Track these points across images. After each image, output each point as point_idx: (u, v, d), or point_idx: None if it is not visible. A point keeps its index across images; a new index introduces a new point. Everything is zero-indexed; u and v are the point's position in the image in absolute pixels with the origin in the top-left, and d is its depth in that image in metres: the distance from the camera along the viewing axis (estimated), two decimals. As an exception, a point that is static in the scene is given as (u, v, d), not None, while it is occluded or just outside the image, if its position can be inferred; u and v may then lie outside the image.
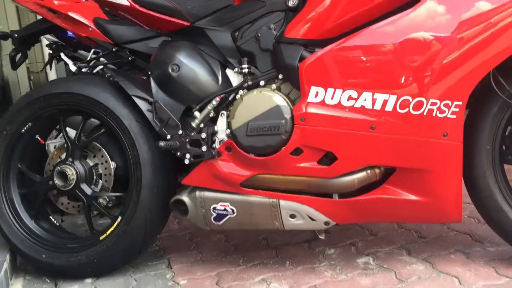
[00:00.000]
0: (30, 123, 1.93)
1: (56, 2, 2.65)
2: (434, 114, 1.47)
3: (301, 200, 1.62)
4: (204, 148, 1.67)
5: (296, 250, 1.97)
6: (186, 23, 1.75)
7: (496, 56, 1.45)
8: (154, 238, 1.98)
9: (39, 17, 2.73)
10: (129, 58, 1.99)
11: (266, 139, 1.58)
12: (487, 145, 1.58)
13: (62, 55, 2.57)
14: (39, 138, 1.99)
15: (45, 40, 3.17)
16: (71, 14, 2.52)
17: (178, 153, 1.70)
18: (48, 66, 3.08)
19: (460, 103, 1.47)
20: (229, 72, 1.74)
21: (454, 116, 1.48)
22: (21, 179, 1.99)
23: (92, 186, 1.91)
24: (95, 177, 1.93)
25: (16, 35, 2.74)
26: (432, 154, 1.51)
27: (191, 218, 1.76)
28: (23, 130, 1.94)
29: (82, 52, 2.77)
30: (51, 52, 2.90)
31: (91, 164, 1.93)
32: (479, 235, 1.93)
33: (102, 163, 1.93)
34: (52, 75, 5.11)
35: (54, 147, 2.05)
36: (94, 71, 2.10)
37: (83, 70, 2.19)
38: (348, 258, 1.86)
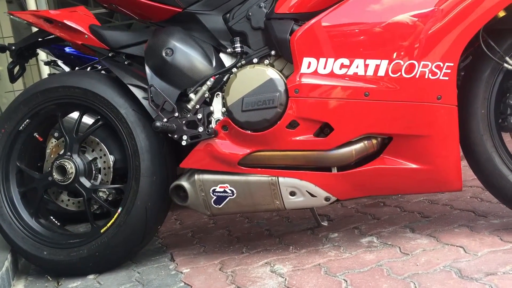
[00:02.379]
0: (28, 120, 1.94)
1: (51, 12, 2.71)
2: (426, 77, 1.48)
3: (300, 176, 1.62)
4: (200, 129, 1.67)
5: (299, 237, 1.95)
6: (178, 9, 1.78)
7: (483, 16, 1.47)
8: (156, 230, 1.96)
9: (34, 29, 2.80)
10: (125, 63, 2.02)
11: (261, 113, 1.59)
12: (482, 109, 1.59)
13: (60, 62, 2.60)
14: (37, 136, 2.00)
15: (42, 56, 3.23)
16: (66, 22, 2.56)
17: (175, 136, 1.70)
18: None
19: (451, 64, 1.48)
20: (222, 55, 1.76)
21: (447, 78, 1.48)
22: (20, 177, 1.99)
23: (92, 180, 1.91)
24: (94, 171, 1.93)
25: (13, 48, 2.79)
26: (427, 119, 1.52)
27: (191, 203, 1.75)
28: (21, 128, 1.95)
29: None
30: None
31: (90, 158, 1.93)
32: (482, 210, 1.91)
33: (100, 157, 1.94)
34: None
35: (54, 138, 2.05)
36: None
37: None
38: (352, 239, 1.83)
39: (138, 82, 1.81)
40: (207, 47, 1.77)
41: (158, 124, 1.65)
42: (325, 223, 2.01)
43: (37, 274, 1.98)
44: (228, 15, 1.74)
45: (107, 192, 1.91)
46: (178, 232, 2.30)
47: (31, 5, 3.39)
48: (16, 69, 2.92)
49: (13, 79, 2.88)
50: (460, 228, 1.78)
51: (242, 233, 2.11)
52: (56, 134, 2.01)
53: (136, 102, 1.81)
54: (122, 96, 1.83)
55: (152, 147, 1.80)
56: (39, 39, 2.88)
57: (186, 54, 1.73)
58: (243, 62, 1.68)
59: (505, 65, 1.54)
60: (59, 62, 2.59)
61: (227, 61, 1.75)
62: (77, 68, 2.36)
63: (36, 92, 1.92)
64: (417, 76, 1.48)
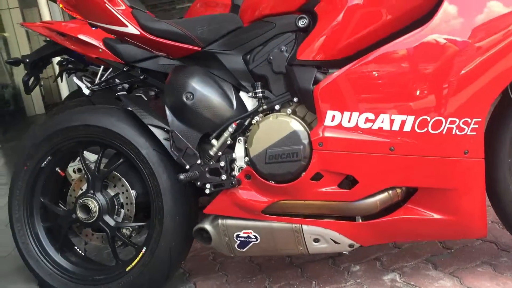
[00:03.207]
0: (49, 157, 1.95)
1: (64, 25, 2.68)
2: (453, 133, 1.46)
3: (324, 225, 1.62)
4: (223, 177, 1.67)
5: (320, 268, 1.96)
6: (197, 48, 1.76)
7: None
8: (180, 266, 1.98)
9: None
10: (141, 77, 2.01)
11: (285, 166, 1.58)
12: (509, 158, 1.56)
13: (75, 79, 2.58)
14: (59, 171, 2.01)
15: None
16: (80, 36, 2.55)
17: (198, 183, 1.70)
18: (59, 78, 3.12)
19: (479, 119, 1.45)
20: (243, 95, 1.74)
21: (474, 133, 1.46)
22: (44, 213, 2.01)
23: (115, 216, 1.92)
24: (116, 206, 1.94)
25: (27, 60, 2.78)
26: (454, 172, 1.50)
27: (214, 245, 1.77)
28: (43, 165, 1.96)
29: (92, 67, 2.80)
30: (60, 66, 2.95)
31: (112, 194, 1.94)
32: (504, 243, 1.91)
33: (123, 192, 1.94)
34: (63, 86, 5.20)
35: (74, 172, 2.07)
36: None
37: (95, 90, 2.23)
38: (374, 275, 1.85)
39: (158, 123, 1.80)
40: (227, 87, 1.75)
41: (182, 177, 1.65)
42: (346, 252, 2.02)
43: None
44: (248, 56, 1.71)
45: (131, 229, 1.93)
46: (199, 253, 2.32)
47: (45, 14, 3.35)
48: (31, 80, 2.93)
49: (28, 90, 2.88)
50: (483, 266, 1.78)
51: (263, 259, 2.13)
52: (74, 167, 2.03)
53: (156, 142, 1.80)
54: (142, 135, 1.83)
55: (175, 187, 1.80)
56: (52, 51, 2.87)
57: (207, 98, 1.71)
58: (265, 107, 1.66)
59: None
60: (74, 79, 2.56)
61: (248, 102, 1.73)
62: (91, 87, 2.34)
63: (57, 130, 1.92)
64: (444, 132, 1.46)
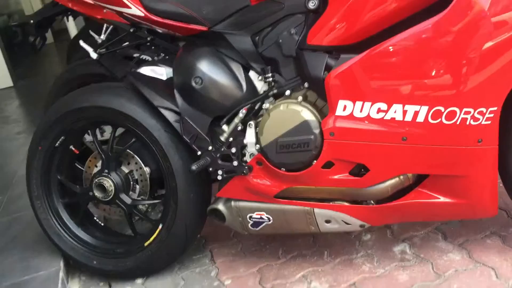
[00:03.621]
0: (62, 137, 1.97)
1: None
2: (467, 123, 1.43)
3: (335, 208, 1.64)
4: (235, 163, 1.68)
5: (332, 238, 2.02)
6: (203, 28, 1.71)
7: None
8: (195, 239, 2.05)
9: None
10: (148, 38, 1.96)
11: (296, 156, 1.58)
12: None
13: (81, 42, 2.54)
14: (73, 149, 2.03)
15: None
16: None
17: (210, 169, 1.72)
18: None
19: (495, 108, 1.42)
20: (253, 75, 1.70)
21: (489, 122, 1.43)
22: (62, 189, 2.06)
23: (130, 193, 1.96)
24: (132, 182, 1.98)
25: (32, 21, 2.72)
26: (467, 160, 1.49)
27: (228, 223, 1.82)
28: (56, 144, 1.98)
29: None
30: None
31: (126, 171, 1.97)
32: (515, 210, 1.93)
33: (136, 170, 1.97)
34: (71, 25, 5.12)
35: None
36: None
37: (102, 54, 2.19)
38: (385, 245, 1.90)
39: (168, 104, 1.78)
40: (236, 67, 1.71)
41: (194, 168, 1.66)
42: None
43: (89, 274, 2.13)
44: (257, 37, 1.66)
45: (147, 205, 1.98)
46: (213, 221, 2.38)
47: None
48: (38, 39, 2.89)
49: (36, 50, 2.85)
50: (492, 238, 1.82)
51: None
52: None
53: (168, 124, 1.80)
54: (153, 116, 1.82)
55: (188, 165, 1.82)
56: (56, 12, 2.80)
57: (216, 82, 1.68)
58: (275, 91, 1.64)
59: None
60: (81, 42, 2.51)
61: (258, 83, 1.70)
62: (99, 51, 2.29)
63: (68, 111, 1.92)
64: (458, 123, 1.43)
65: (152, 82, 1.88)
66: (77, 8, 2.56)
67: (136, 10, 1.72)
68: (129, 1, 1.72)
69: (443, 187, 1.56)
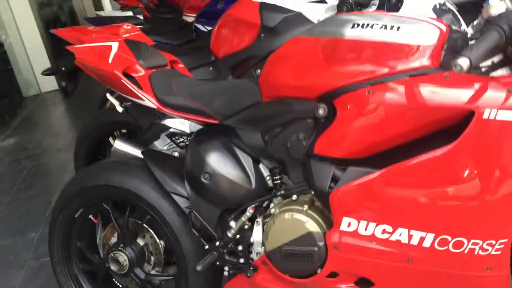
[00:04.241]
0: (81, 209, 2.03)
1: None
2: (476, 253, 1.37)
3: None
4: (241, 260, 1.68)
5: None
6: (215, 122, 1.70)
7: None
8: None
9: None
10: None
11: (300, 265, 1.56)
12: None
13: (108, 95, 2.59)
14: (92, 218, 2.09)
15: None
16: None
17: (218, 263, 1.73)
18: None
19: (505, 240, 1.35)
20: (263, 169, 1.69)
21: (499, 252, 1.37)
22: (81, 255, 2.13)
23: (145, 265, 2.01)
24: (147, 254, 2.02)
25: (63, 69, 2.79)
26: (475, 285, 1.43)
27: (237, 310, 1.83)
28: (76, 215, 2.04)
29: None
30: None
31: (142, 243, 2.01)
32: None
33: (151, 244, 2.01)
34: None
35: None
36: None
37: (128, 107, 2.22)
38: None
39: (180, 191, 1.80)
40: (246, 161, 1.70)
41: (199, 268, 1.68)
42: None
43: None
44: (266, 136, 1.64)
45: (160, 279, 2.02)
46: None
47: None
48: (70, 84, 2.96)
49: (68, 95, 2.93)
50: None
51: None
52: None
53: (180, 207, 1.82)
54: (166, 200, 1.84)
55: (198, 249, 1.84)
56: None
57: (225, 178, 1.68)
58: (282, 192, 1.62)
59: None
60: (108, 95, 2.55)
61: (267, 180, 1.68)
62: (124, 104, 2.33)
63: (86, 187, 1.97)
64: (465, 252, 1.37)
65: (166, 163, 1.89)
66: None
67: (148, 102, 1.74)
68: (142, 93, 1.73)
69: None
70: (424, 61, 1.33)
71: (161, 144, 2.28)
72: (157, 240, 1.98)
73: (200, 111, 1.70)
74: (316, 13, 2.27)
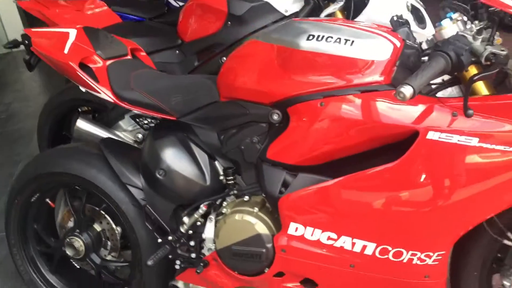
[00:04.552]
0: (38, 194, 2.03)
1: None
2: (414, 262, 1.43)
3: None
4: (193, 255, 1.72)
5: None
6: (172, 118, 1.71)
7: (493, 207, 1.33)
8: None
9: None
10: None
11: (249, 264, 1.61)
12: (475, 272, 1.54)
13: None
14: (49, 202, 2.09)
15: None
16: None
17: (170, 256, 1.76)
18: None
19: (443, 252, 1.41)
20: (218, 167, 1.71)
21: (437, 263, 1.43)
22: (38, 237, 2.14)
23: (102, 249, 2.03)
24: (103, 239, 2.04)
25: (27, 42, 2.73)
26: (413, 290, 1.50)
27: (189, 299, 1.88)
28: (32, 200, 2.04)
29: None
30: None
31: (99, 229, 2.02)
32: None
33: (108, 230, 2.03)
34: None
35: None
36: None
37: None
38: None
39: (136, 182, 1.81)
40: (202, 158, 1.71)
41: (150, 263, 1.70)
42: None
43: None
44: (222, 136, 1.65)
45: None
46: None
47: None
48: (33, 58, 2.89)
49: (31, 68, 2.87)
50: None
51: None
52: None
53: (135, 198, 1.83)
54: (122, 190, 1.85)
55: (153, 239, 1.87)
56: None
57: (179, 175, 1.69)
58: (235, 192, 1.65)
59: (505, 241, 1.45)
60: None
61: (221, 178, 1.70)
62: None
63: (41, 173, 1.96)
64: (404, 261, 1.43)
65: (124, 153, 1.89)
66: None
67: (105, 96, 1.72)
68: (98, 87, 1.71)
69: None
70: (375, 77, 1.35)
71: (126, 125, 2.27)
72: (114, 226, 2.00)
73: (157, 107, 1.69)
74: (284, 4, 2.25)
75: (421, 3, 2.22)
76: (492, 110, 1.25)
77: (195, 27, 2.41)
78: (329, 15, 2.12)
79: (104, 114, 2.51)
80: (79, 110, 2.85)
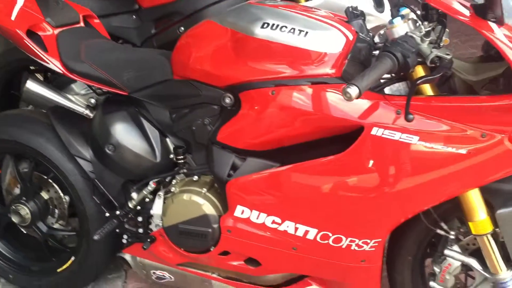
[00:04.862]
0: (-16, 158, 1.98)
1: None
2: (352, 248, 1.50)
3: (233, 284, 1.74)
4: (140, 230, 1.74)
5: None
6: (123, 93, 1.69)
7: (429, 200, 1.40)
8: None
9: None
10: None
11: (195, 242, 1.64)
12: (409, 256, 1.63)
13: None
14: (-5, 167, 2.05)
15: None
16: None
17: (117, 230, 1.77)
18: None
19: (379, 239, 1.49)
20: (169, 144, 1.71)
21: (373, 249, 1.50)
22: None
23: (49, 217, 2.02)
24: (51, 207, 2.02)
25: None
26: (350, 273, 1.57)
27: (135, 270, 1.91)
28: (-22, 164, 1.99)
29: None
30: None
31: (46, 197, 2.00)
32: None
33: (56, 198, 2.01)
34: None
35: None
36: None
37: None
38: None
39: (85, 155, 1.80)
40: (153, 134, 1.70)
41: (96, 237, 1.71)
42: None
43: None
44: (174, 115, 1.65)
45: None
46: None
47: None
48: None
49: None
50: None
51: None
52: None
53: (84, 170, 1.82)
54: (70, 161, 1.83)
55: (101, 212, 1.87)
56: None
57: (129, 151, 1.69)
58: (185, 171, 1.66)
59: (438, 230, 1.53)
60: None
61: (172, 156, 1.71)
62: None
63: (-11, 140, 1.91)
64: (343, 247, 1.50)
65: (73, 124, 1.86)
66: None
67: (53, 66, 1.68)
68: (47, 57, 1.66)
69: (329, 285, 1.66)
70: (327, 69, 1.37)
71: (79, 88, 2.21)
72: (62, 195, 1.98)
73: (108, 81, 1.67)
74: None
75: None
76: (433, 110, 1.30)
77: (154, -7, 2.34)
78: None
79: (56, 75, 2.44)
80: (31, 68, 2.75)
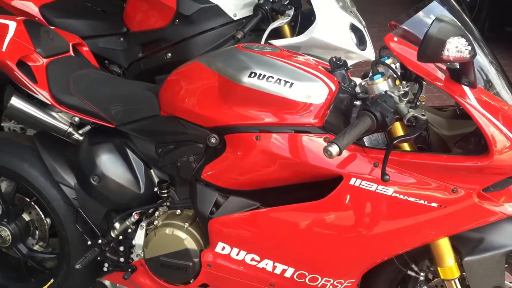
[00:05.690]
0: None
1: None
2: (327, 287, 1.57)
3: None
4: (121, 259, 1.78)
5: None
6: (110, 126, 1.72)
7: (405, 244, 1.47)
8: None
9: None
10: None
11: (176, 275, 1.69)
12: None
13: None
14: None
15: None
16: (14, 3, 2.37)
17: (99, 258, 1.81)
18: None
19: (353, 280, 1.55)
20: (153, 176, 1.76)
21: (347, 288, 1.57)
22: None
23: (29, 238, 2.04)
24: (32, 228, 2.04)
25: None
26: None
27: (114, 295, 1.95)
28: (-37, 186, 2.00)
29: None
30: None
31: (27, 219, 2.02)
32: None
33: (37, 220, 2.03)
34: None
35: None
36: None
37: None
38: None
39: (69, 182, 1.83)
40: (138, 166, 1.75)
41: (78, 266, 1.74)
42: None
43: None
44: (160, 150, 1.69)
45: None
46: None
47: None
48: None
49: None
50: None
51: None
52: None
53: (67, 196, 1.85)
54: (54, 186, 1.86)
55: (82, 238, 1.89)
56: None
57: (114, 182, 1.73)
58: (168, 204, 1.71)
59: (409, 272, 1.61)
60: None
61: (155, 188, 1.75)
62: None
63: (-25, 162, 1.92)
64: (319, 286, 1.57)
65: (58, 150, 1.89)
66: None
67: (42, 98, 1.71)
68: (36, 88, 1.69)
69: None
70: (309, 119, 1.43)
71: None
72: (43, 218, 2.01)
73: (96, 114, 1.70)
74: (233, 8, 2.26)
75: (364, 23, 2.30)
76: (408, 166, 1.38)
77: (141, 18, 2.37)
78: (276, 28, 2.17)
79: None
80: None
